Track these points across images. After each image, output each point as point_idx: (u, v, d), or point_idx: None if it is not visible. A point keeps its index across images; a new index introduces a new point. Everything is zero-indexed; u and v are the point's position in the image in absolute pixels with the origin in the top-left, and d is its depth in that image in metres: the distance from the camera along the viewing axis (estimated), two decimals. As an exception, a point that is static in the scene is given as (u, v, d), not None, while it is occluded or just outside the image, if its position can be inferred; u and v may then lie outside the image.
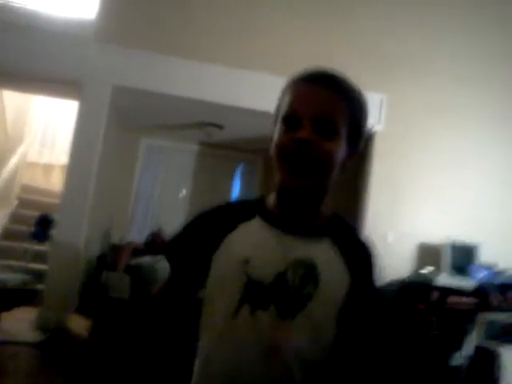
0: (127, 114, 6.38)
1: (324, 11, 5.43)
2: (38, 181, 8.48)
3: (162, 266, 3.99)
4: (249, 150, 6.72)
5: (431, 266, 4.95)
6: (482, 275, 4.86)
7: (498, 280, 4.86)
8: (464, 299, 4.66)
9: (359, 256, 1.07)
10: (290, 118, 1.02)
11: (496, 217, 5.34)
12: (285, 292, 0.98)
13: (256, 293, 0.98)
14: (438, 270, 4.90)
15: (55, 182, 8.22)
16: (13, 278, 4.55)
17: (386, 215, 5.18)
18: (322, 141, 0.99)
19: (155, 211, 7.32)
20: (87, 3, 5.33)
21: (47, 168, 8.67)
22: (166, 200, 7.38)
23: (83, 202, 5.01)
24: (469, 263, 4.96)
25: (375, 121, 5.27)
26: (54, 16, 5.21)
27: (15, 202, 7.47)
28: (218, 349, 1.00)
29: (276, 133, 1.05)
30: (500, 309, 4.34)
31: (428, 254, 5.18)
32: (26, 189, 7.93)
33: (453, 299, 4.63)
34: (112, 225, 6.60)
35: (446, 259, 5.00)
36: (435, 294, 4.61)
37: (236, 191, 7.44)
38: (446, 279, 4.74)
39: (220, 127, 6.28)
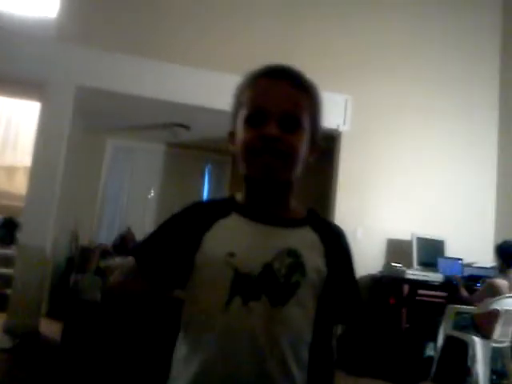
0: (92, 115, 6.26)
1: (287, 12, 5.45)
2: (0, 183, 8.29)
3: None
4: (217, 149, 6.71)
5: (400, 260, 5.02)
6: (449, 269, 4.96)
7: (466, 273, 4.99)
8: (434, 292, 4.76)
9: (337, 246, 1.10)
10: (256, 115, 1.02)
11: (460, 213, 5.48)
12: (274, 282, 0.98)
13: (245, 285, 0.98)
14: (406, 264, 4.97)
15: (18, 184, 8.03)
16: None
17: (354, 212, 5.24)
18: (287, 135, 1.01)
19: (123, 212, 7.23)
20: (48, 2, 5.21)
21: (10, 170, 8.47)
22: (134, 201, 7.29)
23: (49, 205, 4.89)
24: (436, 257, 5.05)
25: (341, 121, 5.33)
26: (15, 15, 5.06)
27: (-23, 206, 7.28)
28: (210, 345, 0.97)
29: (239, 129, 1.05)
30: (468, 301, 4.45)
31: (396, 249, 5.27)
32: (-13, 192, 7.74)
33: (423, 292, 4.73)
34: (80, 227, 6.51)
35: (415, 254, 5.08)
36: (406, 288, 4.69)
37: (205, 191, 7.42)
38: (415, 273, 4.82)
39: (187, 127, 6.25)
